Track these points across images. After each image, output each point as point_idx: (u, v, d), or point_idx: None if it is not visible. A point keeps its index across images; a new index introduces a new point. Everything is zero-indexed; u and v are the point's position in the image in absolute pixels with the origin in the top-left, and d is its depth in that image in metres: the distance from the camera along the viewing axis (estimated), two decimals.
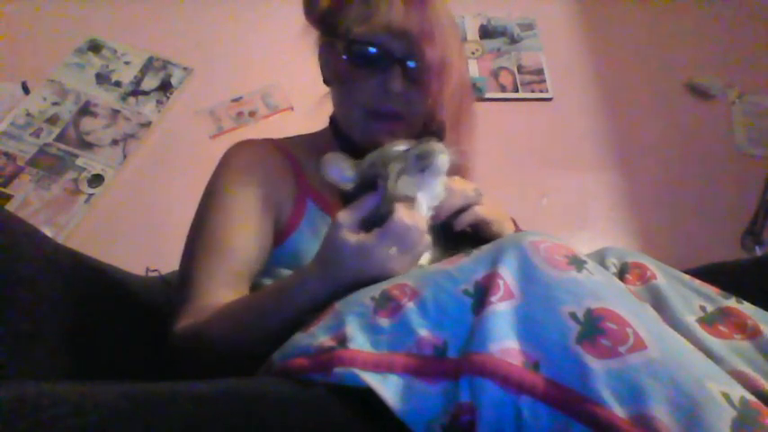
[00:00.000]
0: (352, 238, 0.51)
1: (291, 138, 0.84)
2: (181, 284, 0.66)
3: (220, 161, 0.75)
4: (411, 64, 0.67)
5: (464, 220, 0.64)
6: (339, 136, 0.78)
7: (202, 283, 0.63)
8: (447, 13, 0.70)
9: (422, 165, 0.55)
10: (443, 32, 0.67)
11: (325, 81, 0.77)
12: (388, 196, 0.54)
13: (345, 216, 0.52)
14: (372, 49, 0.66)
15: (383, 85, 0.67)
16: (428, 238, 0.54)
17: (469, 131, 0.75)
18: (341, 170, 0.57)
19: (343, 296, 0.50)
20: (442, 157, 0.55)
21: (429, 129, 0.71)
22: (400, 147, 0.57)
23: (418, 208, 0.55)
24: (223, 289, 0.63)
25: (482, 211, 0.65)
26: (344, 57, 0.67)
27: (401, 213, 0.51)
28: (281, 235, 0.71)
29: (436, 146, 0.55)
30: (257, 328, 0.55)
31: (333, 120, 0.80)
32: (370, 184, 0.56)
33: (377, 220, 0.52)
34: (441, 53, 0.65)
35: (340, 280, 0.52)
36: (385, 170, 0.55)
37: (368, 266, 0.51)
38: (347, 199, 0.57)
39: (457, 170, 0.64)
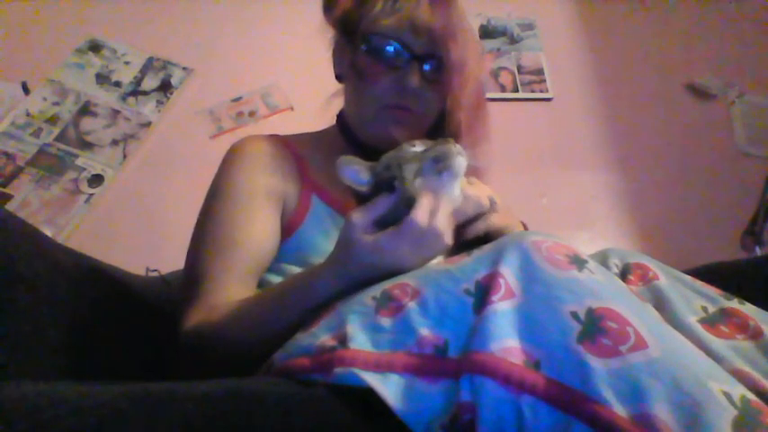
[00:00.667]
0: (366, 237, 0.50)
1: (296, 135, 0.84)
2: (188, 281, 0.65)
3: (225, 157, 0.75)
4: (428, 65, 0.68)
5: (477, 228, 0.62)
6: (346, 133, 0.78)
7: (211, 279, 0.63)
8: (466, 19, 0.71)
9: (439, 167, 0.53)
10: (465, 34, 0.68)
11: (338, 77, 0.78)
12: (405, 197, 0.53)
13: (359, 216, 0.52)
14: (393, 44, 0.67)
15: (400, 81, 0.67)
16: (447, 240, 0.52)
17: (485, 133, 0.74)
18: (356, 172, 0.56)
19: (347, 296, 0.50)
20: (460, 159, 0.53)
21: (444, 129, 0.71)
22: (416, 148, 0.56)
23: (440, 209, 0.53)
24: (233, 285, 0.63)
25: (496, 219, 0.63)
26: (364, 48, 0.68)
27: (418, 213, 0.50)
28: (286, 230, 0.71)
29: (454, 147, 0.54)
30: (272, 328, 0.55)
31: (340, 117, 0.81)
32: (384, 186, 0.55)
33: (393, 221, 0.51)
34: (462, 53, 0.66)
35: (354, 277, 0.51)
36: (400, 171, 0.54)
37: (381, 265, 0.50)
38: (361, 201, 0.55)
39: (472, 171, 0.63)
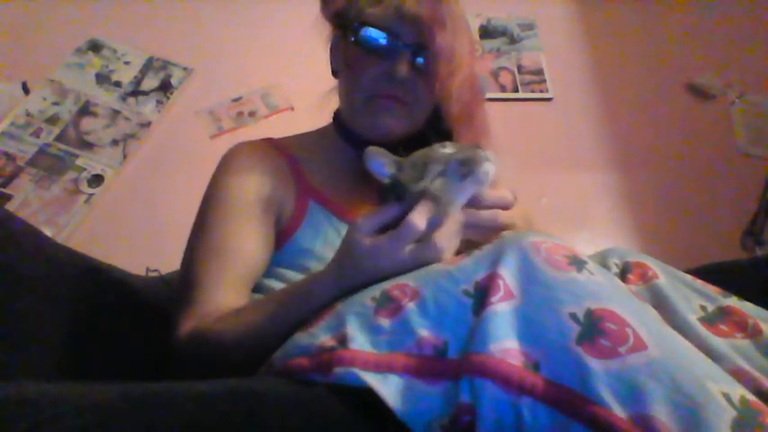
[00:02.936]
0: (366, 239, 0.50)
1: (292, 137, 0.83)
2: (183, 287, 0.65)
3: (219, 164, 0.75)
4: (420, 59, 0.67)
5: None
6: (342, 131, 0.78)
7: (205, 286, 0.63)
8: (461, 12, 0.71)
9: (463, 171, 0.52)
10: (455, 24, 0.67)
11: (334, 73, 0.78)
12: (418, 198, 0.52)
13: (363, 221, 0.51)
14: (380, 33, 0.66)
15: (388, 70, 0.67)
16: (446, 254, 0.50)
17: (484, 128, 0.73)
18: (381, 165, 0.56)
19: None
20: (487, 165, 0.52)
21: (439, 124, 0.70)
22: (446, 149, 0.55)
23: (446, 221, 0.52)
24: (226, 292, 0.63)
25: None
26: (353, 38, 0.68)
27: (416, 215, 0.49)
28: (283, 235, 0.70)
29: (483, 154, 0.53)
30: (270, 334, 0.54)
31: (336, 116, 0.81)
32: (404, 183, 0.54)
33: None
34: (451, 41, 0.65)
35: (354, 281, 0.51)
36: (425, 171, 0.53)
37: (378, 268, 0.49)
38: (381, 192, 0.56)
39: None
